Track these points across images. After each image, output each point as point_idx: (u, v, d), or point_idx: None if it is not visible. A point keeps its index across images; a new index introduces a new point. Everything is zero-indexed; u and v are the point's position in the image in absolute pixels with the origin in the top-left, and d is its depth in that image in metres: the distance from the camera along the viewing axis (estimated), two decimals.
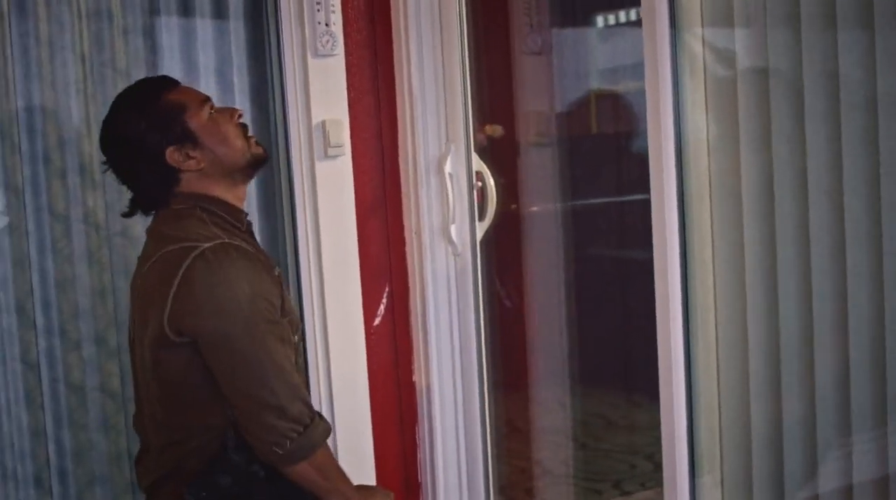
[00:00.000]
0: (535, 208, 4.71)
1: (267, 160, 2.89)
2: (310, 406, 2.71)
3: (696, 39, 2.97)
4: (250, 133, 2.84)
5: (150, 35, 3.74)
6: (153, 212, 2.83)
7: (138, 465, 2.89)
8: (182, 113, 2.72)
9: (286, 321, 2.73)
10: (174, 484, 2.73)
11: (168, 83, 2.80)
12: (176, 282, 2.60)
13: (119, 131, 2.75)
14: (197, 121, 2.73)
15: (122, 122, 2.75)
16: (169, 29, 3.76)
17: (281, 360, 2.65)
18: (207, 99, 2.80)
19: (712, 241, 2.98)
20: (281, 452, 2.63)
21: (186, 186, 2.74)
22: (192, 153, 2.71)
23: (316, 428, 2.69)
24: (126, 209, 2.86)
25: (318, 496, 2.73)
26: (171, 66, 3.73)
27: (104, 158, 2.80)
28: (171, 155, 2.70)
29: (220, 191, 2.76)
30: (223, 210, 2.75)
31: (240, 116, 2.82)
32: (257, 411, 2.62)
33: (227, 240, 2.67)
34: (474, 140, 3.87)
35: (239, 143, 2.77)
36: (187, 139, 2.71)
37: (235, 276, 2.62)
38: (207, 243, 2.64)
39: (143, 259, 2.79)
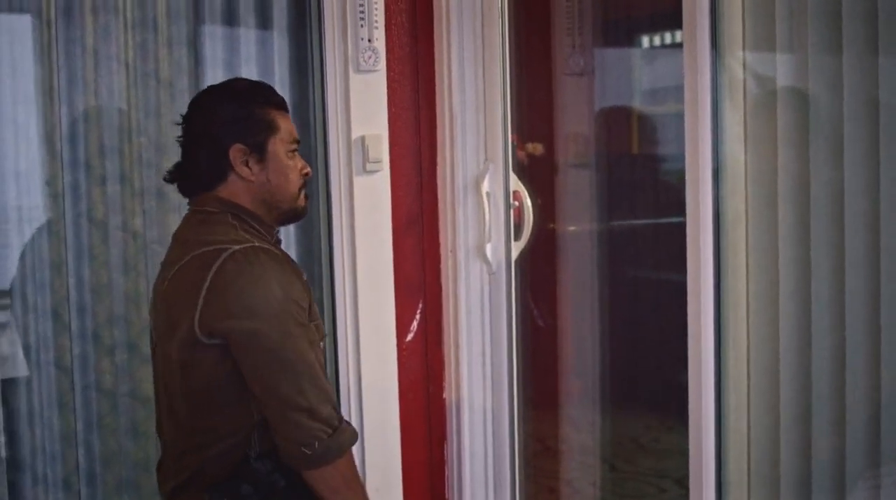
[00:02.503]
0: (571, 228, 4.70)
1: (302, 218, 2.94)
2: (338, 410, 2.72)
3: (737, 63, 2.97)
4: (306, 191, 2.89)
5: (194, 46, 3.78)
6: (188, 196, 2.84)
7: (159, 471, 2.89)
8: (271, 132, 2.77)
9: (313, 326, 2.74)
10: (194, 490, 2.74)
11: (281, 104, 2.85)
12: (206, 284, 2.61)
13: (213, 102, 2.82)
14: (277, 146, 2.78)
15: (221, 98, 2.82)
16: (213, 40, 3.80)
17: (311, 361, 2.66)
18: (298, 142, 2.85)
19: (747, 266, 2.98)
20: (309, 452, 2.63)
21: (227, 191, 2.76)
22: (251, 164, 2.75)
23: (344, 432, 2.69)
24: (167, 175, 2.88)
25: None
26: (214, 77, 3.76)
27: (182, 120, 2.85)
28: (235, 151, 2.74)
29: (255, 209, 2.78)
30: (254, 220, 2.77)
31: (308, 173, 2.87)
32: (288, 411, 2.63)
33: (257, 243, 2.69)
34: (513, 159, 3.87)
35: (294, 187, 2.82)
36: (257, 151, 2.75)
37: (266, 277, 2.63)
38: (237, 246, 2.66)
39: (168, 264, 2.80)
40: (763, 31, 2.92)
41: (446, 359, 3.97)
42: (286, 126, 2.82)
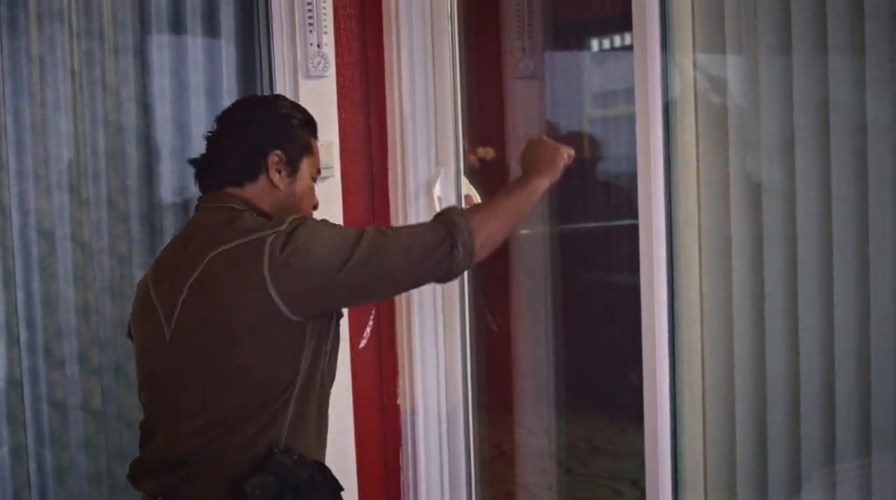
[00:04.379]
0: (524, 232, 4.70)
1: None
2: (435, 226, 2.81)
3: (687, 65, 2.98)
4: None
5: (141, 54, 3.75)
6: (207, 189, 2.88)
7: (143, 469, 2.87)
8: (307, 152, 2.89)
9: None
10: (203, 481, 2.73)
11: (316, 134, 2.97)
12: (268, 269, 2.65)
13: (261, 107, 2.96)
14: (307, 167, 2.90)
15: (269, 106, 2.94)
16: (160, 48, 3.78)
17: (388, 238, 2.77)
18: (320, 171, 2.99)
19: (700, 267, 2.99)
20: (450, 276, 2.80)
21: (252, 191, 2.83)
22: (283, 173, 2.84)
23: (450, 218, 2.80)
24: (191, 161, 2.94)
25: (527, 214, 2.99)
26: (162, 85, 3.76)
27: (217, 120, 2.92)
28: (273, 156, 2.83)
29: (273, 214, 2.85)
30: None
31: (317, 206, 2.98)
32: (418, 270, 2.77)
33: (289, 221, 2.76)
34: (464, 163, 3.87)
35: (308, 209, 2.93)
36: (291, 164, 2.85)
37: (316, 230, 2.74)
38: (280, 227, 2.71)
39: (191, 251, 2.79)
40: (713, 33, 2.94)
41: (400, 365, 3.96)
42: (317, 156, 2.95)
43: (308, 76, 3.70)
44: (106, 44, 3.66)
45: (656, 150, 2.94)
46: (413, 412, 3.94)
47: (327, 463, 2.84)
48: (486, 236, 2.81)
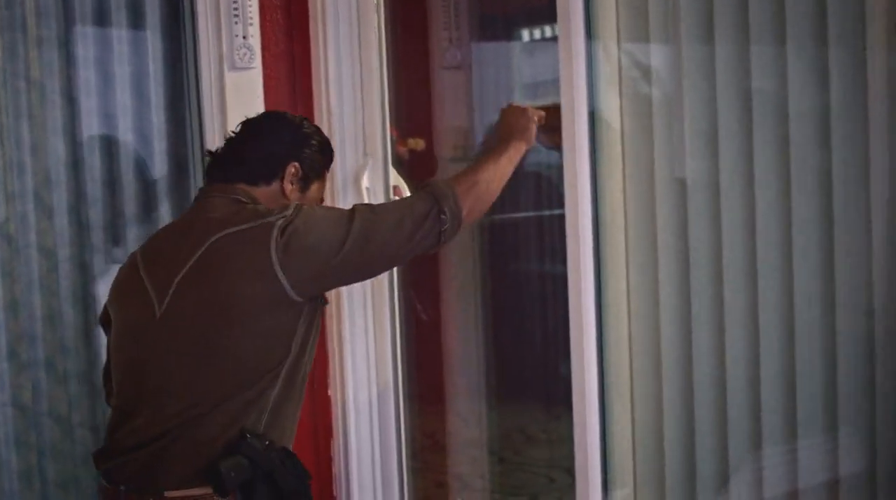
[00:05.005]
0: None
1: None
2: (421, 196, 2.91)
3: (612, 54, 2.99)
4: None
5: (66, 46, 3.73)
6: (217, 181, 2.98)
7: (111, 459, 2.86)
8: (318, 178, 3.07)
9: None
10: (178, 463, 2.76)
11: (329, 168, 3.15)
12: (275, 251, 2.74)
13: (296, 123, 3.09)
14: (315, 190, 3.06)
15: (302, 125, 3.08)
16: (84, 40, 3.75)
17: (385, 211, 2.89)
18: (323, 200, 3.16)
19: (627, 257, 3.00)
20: (447, 232, 2.88)
21: (262, 193, 2.96)
22: (296, 186, 3.00)
23: (436, 188, 2.90)
24: (207, 152, 3.10)
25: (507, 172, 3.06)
26: (87, 78, 3.73)
27: (243, 124, 3.07)
28: (291, 166, 2.98)
29: None
30: None
31: None
32: (412, 241, 2.86)
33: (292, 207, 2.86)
34: (392, 154, 3.86)
35: None
36: (303, 182, 3.01)
37: (315, 215, 2.84)
38: (287, 211, 2.81)
39: (193, 233, 2.86)
40: (637, 22, 2.95)
41: (330, 356, 3.95)
42: (325, 184, 3.12)
43: (234, 68, 3.68)
44: (29, 36, 3.62)
45: (581, 139, 2.95)
46: (344, 403, 3.93)
47: None
48: (472, 201, 2.92)
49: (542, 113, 3.13)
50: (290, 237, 2.75)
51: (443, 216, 2.84)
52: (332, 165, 3.72)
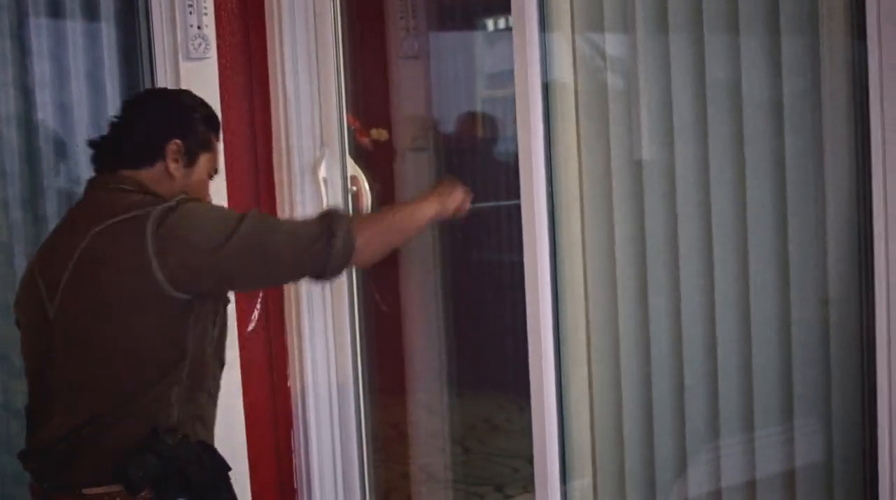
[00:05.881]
0: None
1: None
2: (318, 218, 2.86)
3: (566, 44, 2.99)
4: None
5: (19, 37, 3.70)
6: (103, 170, 2.91)
7: (30, 454, 2.86)
8: (206, 148, 2.97)
9: None
10: (89, 463, 2.74)
11: (218, 135, 3.05)
12: (152, 243, 2.68)
13: (169, 98, 3.07)
14: (204, 163, 2.96)
15: (178, 98, 3.04)
16: (38, 31, 3.72)
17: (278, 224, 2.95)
18: (216, 172, 3.07)
19: (583, 242, 3.01)
20: (328, 269, 2.81)
21: (148, 176, 2.86)
22: (180, 163, 2.90)
23: (334, 213, 2.86)
24: (89, 141, 2.97)
25: (411, 233, 3.08)
26: (42, 69, 3.71)
27: (123, 106, 3.02)
28: (173, 145, 2.88)
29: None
30: None
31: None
32: (299, 258, 2.80)
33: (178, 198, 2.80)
34: (351, 145, 3.85)
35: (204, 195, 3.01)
36: (189, 156, 2.91)
37: (199, 210, 2.80)
38: (166, 203, 2.75)
39: (77, 228, 2.80)
40: (592, 12, 2.95)
41: (289, 347, 3.95)
42: (216, 154, 3.02)
43: (189, 58, 3.66)
44: None
45: (536, 130, 2.95)
46: (304, 394, 3.93)
47: (217, 446, 2.84)
48: (370, 235, 2.86)
49: (468, 203, 3.13)
50: (167, 229, 2.69)
51: (334, 239, 2.77)
52: (289, 156, 3.73)
